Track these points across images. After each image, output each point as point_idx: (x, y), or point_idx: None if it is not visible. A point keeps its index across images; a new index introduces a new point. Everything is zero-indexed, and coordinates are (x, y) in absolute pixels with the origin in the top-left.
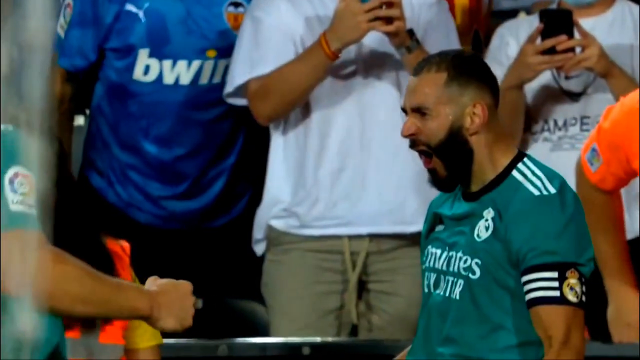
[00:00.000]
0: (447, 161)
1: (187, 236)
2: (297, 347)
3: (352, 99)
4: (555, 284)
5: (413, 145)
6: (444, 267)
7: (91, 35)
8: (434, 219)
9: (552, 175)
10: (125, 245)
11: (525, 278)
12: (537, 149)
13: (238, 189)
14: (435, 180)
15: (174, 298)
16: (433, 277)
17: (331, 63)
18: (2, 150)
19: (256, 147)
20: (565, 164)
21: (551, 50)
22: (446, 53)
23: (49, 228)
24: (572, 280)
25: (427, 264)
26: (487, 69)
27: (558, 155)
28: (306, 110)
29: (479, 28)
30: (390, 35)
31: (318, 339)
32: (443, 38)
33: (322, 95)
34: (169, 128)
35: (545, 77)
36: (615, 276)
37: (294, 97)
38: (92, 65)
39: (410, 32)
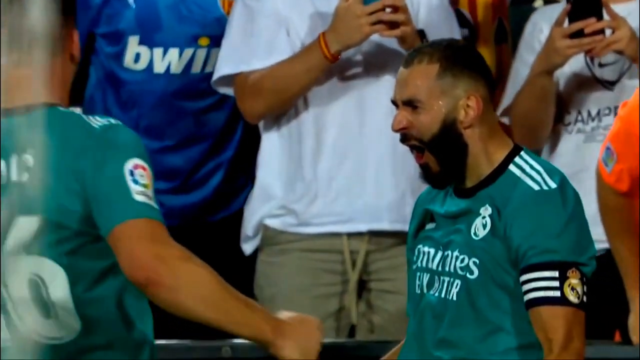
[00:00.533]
0: (441, 156)
1: (185, 232)
2: None
3: (351, 92)
4: (556, 283)
5: (404, 139)
6: (439, 268)
7: (79, 18)
8: (424, 215)
9: (551, 169)
10: None
11: (524, 277)
12: (571, 141)
13: (237, 182)
14: (428, 176)
15: (300, 330)
16: (426, 277)
17: (329, 65)
18: (118, 143)
19: (256, 139)
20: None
21: (580, 34)
22: (438, 43)
23: None
24: (574, 280)
25: (418, 264)
26: (481, 60)
27: (591, 146)
28: (302, 104)
29: (502, 16)
30: (397, 38)
31: (325, 340)
32: (446, 35)
33: (319, 88)
34: (159, 119)
35: (578, 66)
36: (636, 284)
37: (287, 96)
38: (84, 49)
39: (421, 34)
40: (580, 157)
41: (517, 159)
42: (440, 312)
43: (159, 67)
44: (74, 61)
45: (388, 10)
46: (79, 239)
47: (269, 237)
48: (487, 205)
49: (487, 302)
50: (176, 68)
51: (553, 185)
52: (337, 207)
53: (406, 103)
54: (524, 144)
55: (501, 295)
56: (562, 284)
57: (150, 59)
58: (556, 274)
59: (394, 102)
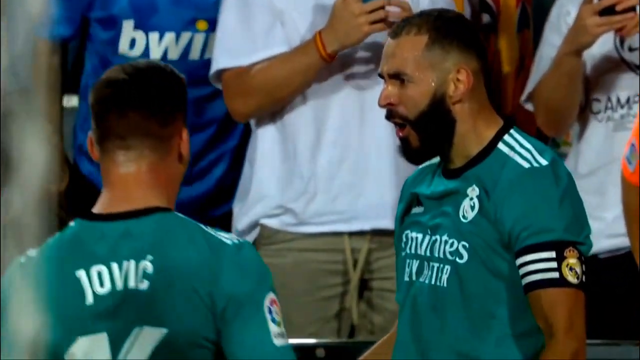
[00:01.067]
0: (425, 133)
1: None
2: (311, 349)
3: (351, 84)
4: (554, 264)
5: (389, 116)
6: (427, 253)
7: (73, 2)
8: (411, 199)
9: (541, 147)
10: None
11: (520, 260)
12: (600, 129)
13: (242, 174)
14: (406, 150)
15: None
16: (415, 264)
17: (326, 65)
18: (255, 272)
19: None
20: None
21: (610, 11)
22: (428, 13)
23: (54, 222)
24: (572, 260)
25: (407, 251)
26: (473, 31)
27: (621, 135)
28: (300, 98)
29: (526, 2)
30: None
31: (333, 340)
32: None
33: (318, 81)
34: None
35: (607, 49)
36: None
37: (280, 96)
38: (77, 34)
39: None
40: (610, 146)
41: (506, 137)
42: (433, 300)
43: (156, 53)
44: (183, 162)
45: (388, 8)
46: (201, 354)
47: (265, 236)
48: (474, 186)
49: (478, 288)
50: (173, 54)
51: (544, 162)
52: (339, 206)
53: (393, 76)
54: (548, 130)
55: (493, 281)
56: (559, 265)
57: (146, 44)
58: (553, 254)
59: (380, 75)
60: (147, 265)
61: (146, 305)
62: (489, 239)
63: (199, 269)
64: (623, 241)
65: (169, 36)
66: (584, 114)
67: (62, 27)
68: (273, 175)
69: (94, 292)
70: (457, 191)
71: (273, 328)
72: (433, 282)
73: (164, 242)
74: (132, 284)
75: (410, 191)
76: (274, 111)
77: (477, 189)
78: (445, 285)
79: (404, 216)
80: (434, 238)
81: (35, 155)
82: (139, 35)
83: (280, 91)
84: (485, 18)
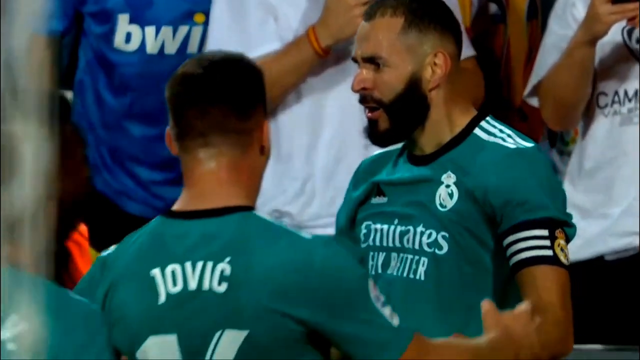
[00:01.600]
0: (397, 117)
1: None
2: None
3: (347, 80)
4: (547, 242)
5: (363, 101)
6: (397, 244)
7: None
8: (370, 189)
9: (522, 135)
10: (82, 228)
11: (511, 238)
12: (606, 123)
13: None
14: (372, 132)
15: None
16: (381, 256)
17: (320, 60)
18: (346, 265)
19: None
20: (636, 141)
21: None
22: None
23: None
24: (562, 241)
25: (370, 243)
26: (449, 13)
27: (628, 130)
28: (294, 96)
29: None
30: None
31: None
32: None
33: (313, 79)
34: (154, 104)
35: (614, 41)
36: None
37: (274, 95)
38: (71, 29)
39: None
40: (616, 141)
41: (483, 124)
42: (405, 293)
43: (152, 48)
44: (265, 154)
45: None
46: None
47: None
48: (449, 172)
49: (457, 279)
50: (171, 48)
51: (529, 145)
52: (336, 207)
53: (367, 60)
54: (554, 124)
55: (473, 271)
56: (552, 243)
57: (142, 38)
58: (546, 232)
59: (354, 59)
60: (226, 267)
61: (223, 307)
62: (473, 225)
63: (283, 271)
64: (631, 241)
65: (166, 30)
66: (590, 108)
67: (55, 21)
68: (267, 178)
69: (167, 292)
70: (430, 179)
71: (386, 312)
72: (406, 274)
73: (244, 243)
74: (207, 285)
75: (370, 180)
76: (267, 111)
77: (453, 176)
78: (422, 278)
79: (359, 205)
80: (404, 229)
81: (33, 153)
82: (135, 30)
83: (274, 90)
84: (493, 8)
